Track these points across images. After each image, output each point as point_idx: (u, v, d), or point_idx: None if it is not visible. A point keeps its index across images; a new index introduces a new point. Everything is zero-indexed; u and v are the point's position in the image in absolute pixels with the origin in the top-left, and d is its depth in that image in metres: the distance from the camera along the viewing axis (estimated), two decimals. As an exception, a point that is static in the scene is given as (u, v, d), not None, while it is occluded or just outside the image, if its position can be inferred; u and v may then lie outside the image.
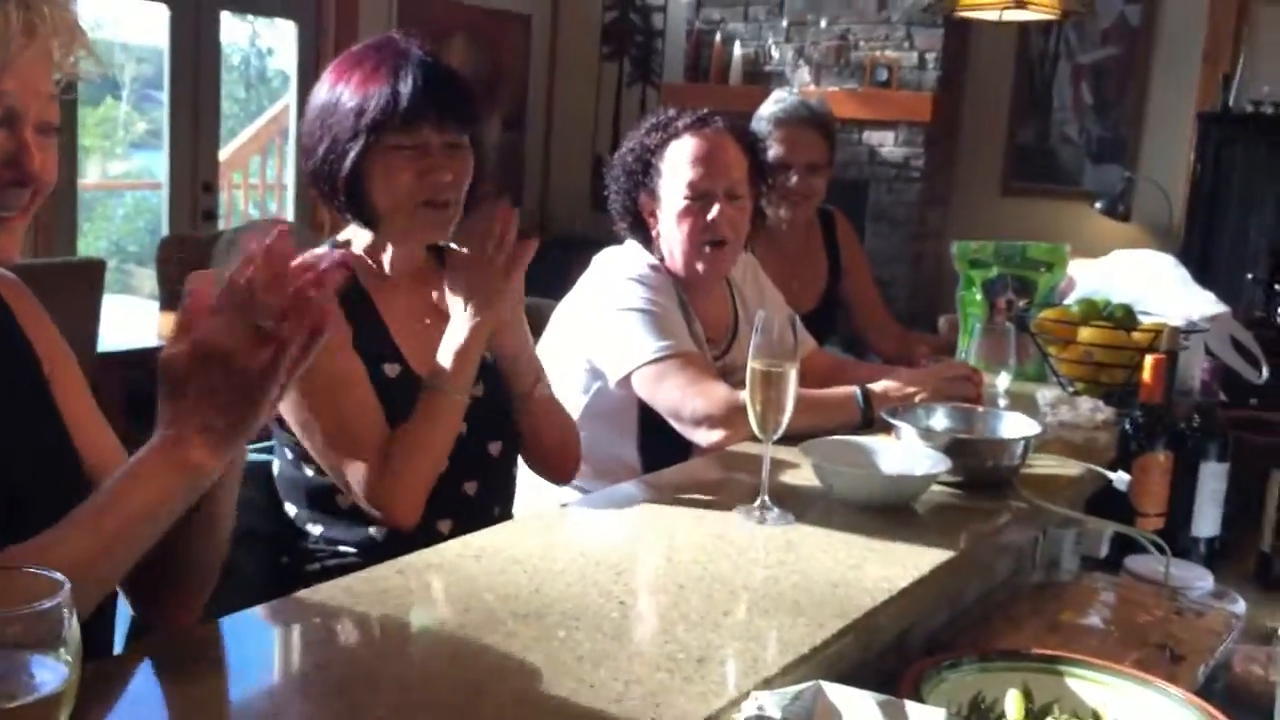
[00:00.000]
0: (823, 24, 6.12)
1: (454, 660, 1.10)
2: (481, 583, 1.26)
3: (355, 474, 1.59)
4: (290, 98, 6.10)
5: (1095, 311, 2.38)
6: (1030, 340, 2.41)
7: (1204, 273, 3.39)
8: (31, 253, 4.20)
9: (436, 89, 1.64)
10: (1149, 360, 1.84)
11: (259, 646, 1.18)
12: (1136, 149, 5.73)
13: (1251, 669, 1.44)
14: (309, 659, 1.14)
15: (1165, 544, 1.66)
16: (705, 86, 6.31)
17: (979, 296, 2.69)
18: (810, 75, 6.16)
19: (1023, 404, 2.11)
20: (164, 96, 5.55)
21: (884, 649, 1.33)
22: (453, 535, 1.52)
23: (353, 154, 1.63)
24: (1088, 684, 1.28)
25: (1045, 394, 2.28)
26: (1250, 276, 4.59)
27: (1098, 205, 5.51)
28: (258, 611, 1.22)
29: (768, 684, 1.08)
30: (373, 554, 1.54)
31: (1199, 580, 1.68)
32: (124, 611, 1.29)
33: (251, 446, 1.59)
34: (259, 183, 6.98)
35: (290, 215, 6.17)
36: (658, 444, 2.04)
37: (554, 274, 2.26)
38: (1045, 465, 1.87)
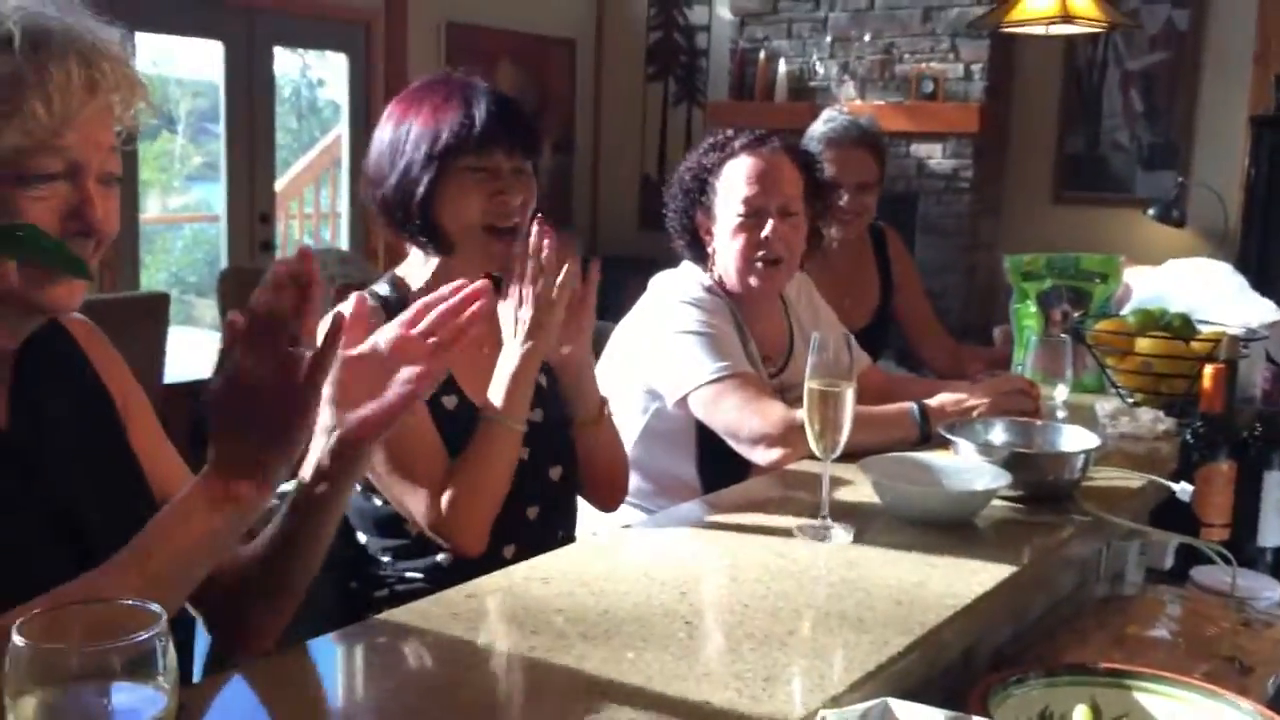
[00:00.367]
0: (866, 38, 6.13)
1: (526, 683, 1.12)
2: (550, 605, 1.28)
3: (418, 505, 1.63)
4: (343, 127, 6.21)
5: (1152, 321, 2.37)
6: (1087, 352, 2.40)
7: (1261, 278, 3.34)
8: (97, 288, 4.30)
9: (507, 115, 1.71)
10: (1209, 369, 1.83)
11: (334, 672, 1.21)
12: (1189, 154, 5.67)
13: (1323, 680, 1.43)
14: (384, 684, 1.16)
15: (1231, 554, 1.65)
16: (751, 104, 6.34)
17: (1033, 309, 2.68)
18: (855, 90, 6.16)
19: (1081, 416, 2.10)
20: (220, 129, 5.67)
21: (949, 666, 1.34)
22: (517, 560, 1.54)
23: (427, 178, 1.68)
24: (1156, 697, 1.28)
25: (1104, 406, 2.26)
26: (1310, 280, 4.52)
27: (1151, 212, 5.45)
28: (332, 638, 1.25)
29: (835, 702, 1.09)
30: (440, 580, 1.58)
31: (1266, 590, 1.67)
32: (200, 642, 1.33)
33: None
34: (314, 212, 7.09)
35: (344, 243, 6.26)
36: (716, 463, 2.06)
37: (605, 294, 2.27)
38: (1107, 477, 1.87)
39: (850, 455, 1.63)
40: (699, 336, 2.04)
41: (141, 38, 5.08)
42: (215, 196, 6.25)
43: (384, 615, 1.27)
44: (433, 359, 1.22)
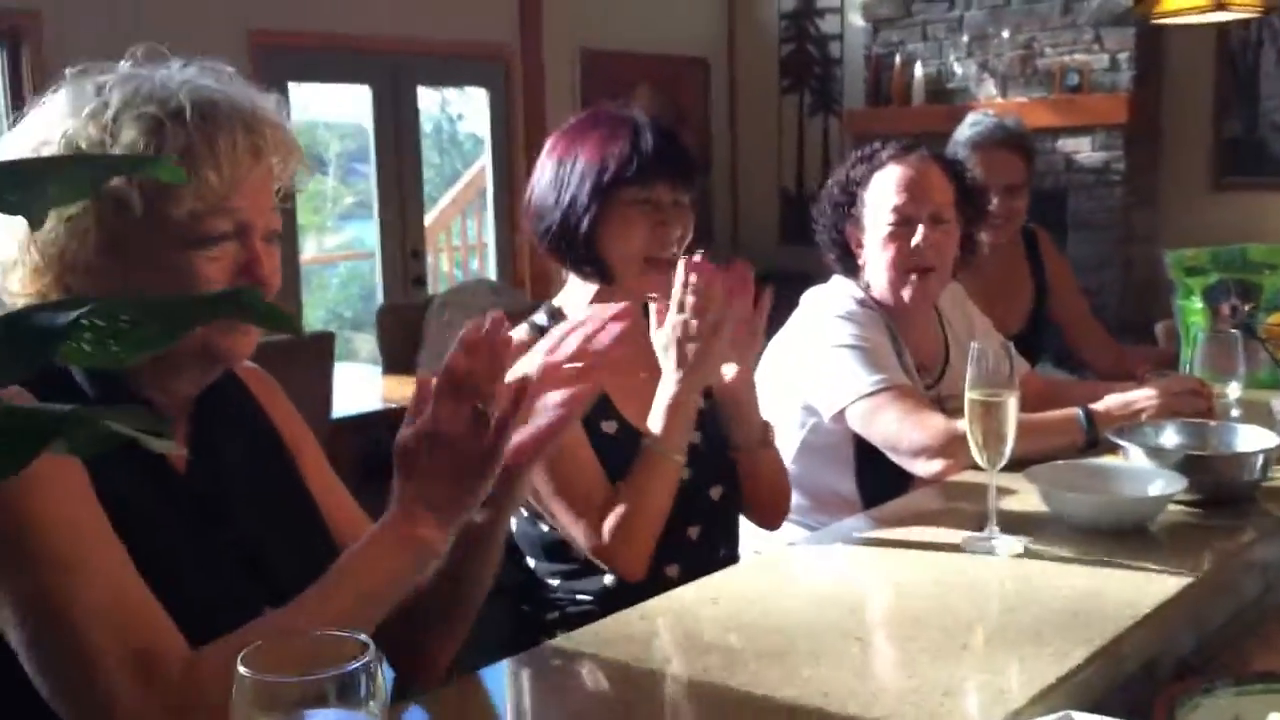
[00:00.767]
0: (1005, 34, 6.01)
1: (704, 702, 1.15)
2: (721, 625, 1.31)
3: (580, 531, 1.67)
4: (485, 159, 6.36)
5: (1329, 311, 2.27)
6: (1259, 346, 2.31)
7: None
8: (266, 333, 4.50)
9: (670, 148, 1.75)
10: (1394, 360, 1.74)
11: (512, 698, 1.25)
12: (1358, 131, 5.40)
13: None
14: (562, 708, 1.20)
15: None
16: (888, 110, 6.27)
17: (1199, 305, 2.59)
18: (996, 88, 6.05)
19: (1257, 414, 2.03)
20: (368, 169, 5.88)
21: (1131, 677, 1.31)
22: (681, 579, 1.57)
23: (593, 210, 1.73)
24: (1356, 705, 1.23)
25: (1280, 402, 2.17)
26: None
27: (1319, 194, 5.20)
28: (508, 664, 1.30)
29: (1015, 716, 1.08)
30: (609, 601, 1.61)
31: None
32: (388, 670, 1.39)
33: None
34: (461, 244, 7.28)
35: (492, 273, 6.41)
36: (875, 477, 2.05)
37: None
38: (1288, 477, 1.80)
39: (1015, 464, 1.61)
40: (854, 350, 2.04)
41: (293, 87, 5.32)
42: (366, 233, 6.47)
43: (557, 640, 1.31)
44: (579, 383, 1.25)
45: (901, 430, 1.95)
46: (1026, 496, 1.69)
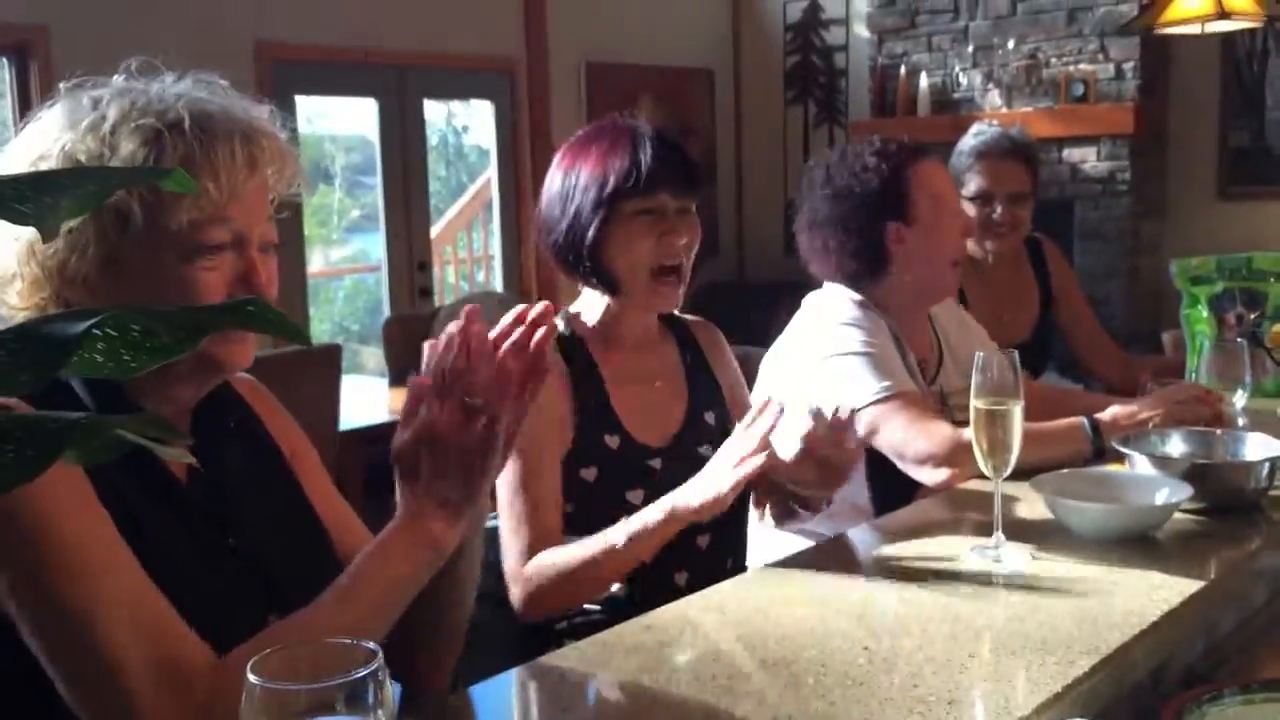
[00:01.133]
0: (1010, 45, 6.02)
1: (709, 712, 1.15)
2: (727, 634, 1.31)
3: (512, 546, 1.69)
4: (491, 171, 6.39)
5: (1335, 319, 2.27)
6: (1265, 355, 2.31)
7: None
8: (271, 345, 4.52)
9: (672, 157, 1.76)
10: (1400, 368, 1.74)
11: (523, 708, 1.25)
12: (1364, 139, 5.40)
13: None
14: (569, 717, 1.20)
15: None
16: (894, 121, 6.29)
17: (1205, 313, 2.59)
18: (1001, 98, 6.06)
19: (1264, 423, 2.03)
20: (376, 182, 5.90)
21: (1138, 685, 1.31)
22: (689, 587, 1.57)
23: (597, 222, 1.75)
24: (1364, 713, 1.23)
25: (1287, 410, 2.18)
26: None
27: (1326, 202, 5.20)
28: (518, 673, 1.30)
29: (1022, 724, 1.08)
30: (616, 611, 1.61)
31: None
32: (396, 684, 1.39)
33: (494, 514, 1.70)
34: (467, 256, 7.30)
35: (499, 284, 6.43)
36: (886, 483, 2.05)
37: (756, 320, 2.30)
38: (1295, 485, 1.79)
39: (1021, 473, 1.61)
40: (861, 357, 2.04)
41: (300, 100, 5.35)
42: (373, 246, 6.49)
43: (564, 650, 1.31)
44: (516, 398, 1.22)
45: (907, 438, 1.95)
46: (1033, 505, 1.69)
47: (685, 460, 1.79)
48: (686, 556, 1.75)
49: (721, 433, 1.85)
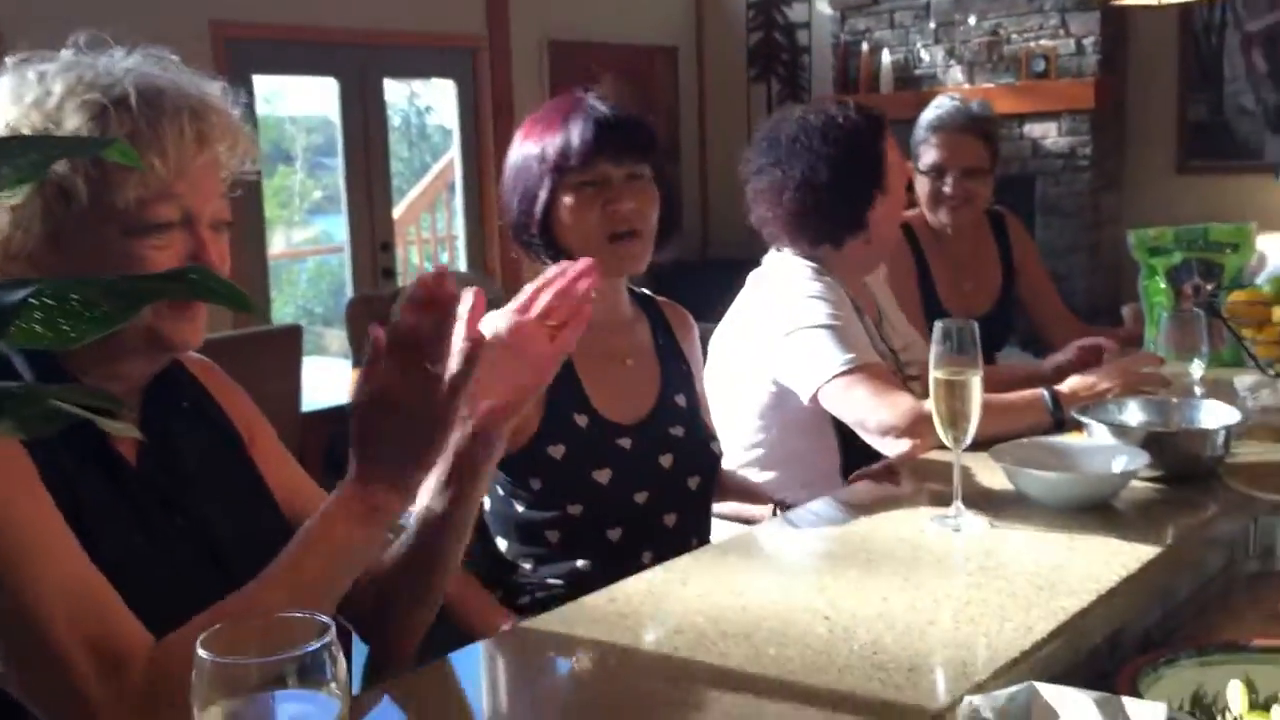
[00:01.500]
0: (972, 21, 6.03)
1: (671, 681, 1.15)
2: (690, 605, 1.31)
3: None
4: (454, 151, 6.34)
5: (1290, 289, 2.29)
6: (1222, 325, 2.33)
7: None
8: (230, 326, 4.48)
9: (607, 124, 1.74)
10: (1353, 334, 1.76)
11: (485, 680, 1.25)
12: (1320, 113, 5.45)
13: None
14: (534, 688, 1.20)
15: (1389, 525, 1.59)
16: (857, 98, 6.26)
17: (1163, 284, 2.61)
18: (963, 74, 6.07)
19: (1220, 391, 2.05)
20: (337, 164, 5.85)
21: (1095, 649, 1.32)
22: (654, 565, 1.57)
23: (542, 199, 1.74)
24: (1316, 673, 1.24)
25: (1243, 379, 2.20)
26: None
27: (1282, 176, 5.25)
28: (483, 646, 1.30)
29: (980, 689, 1.09)
30: (580, 585, 1.61)
31: None
32: (358, 654, 1.38)
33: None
34: (430, 236, 7.26)
35: (463, 264, 6.39)
36: (858, 449, 2.05)
37: (719, 298, 2.29)
38: (1251, 452, 1.82)
39: (981, 444, 1.62)
40: (826, 330, 2.04)
41: (258, 79, 5.28)
42: (335, 228, 6.44)
43: (529, 622, 1.31)
44: (554, 342, 1.24)
45: (870, 409, 1.96)
46: (992, 475, 1.70)
47: (657, 440, 1.79)
48: (654, 534, 1.75)
49: (691, 416, 1.86)
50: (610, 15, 6.58)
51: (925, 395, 2.28)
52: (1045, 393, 1.96)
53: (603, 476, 1.72)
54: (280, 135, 7.83)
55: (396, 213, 6.29)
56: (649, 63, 6.87)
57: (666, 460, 1.78)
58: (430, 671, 1.25)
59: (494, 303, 1.84)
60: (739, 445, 2.13)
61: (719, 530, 1.93)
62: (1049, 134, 5.87)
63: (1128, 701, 1.04)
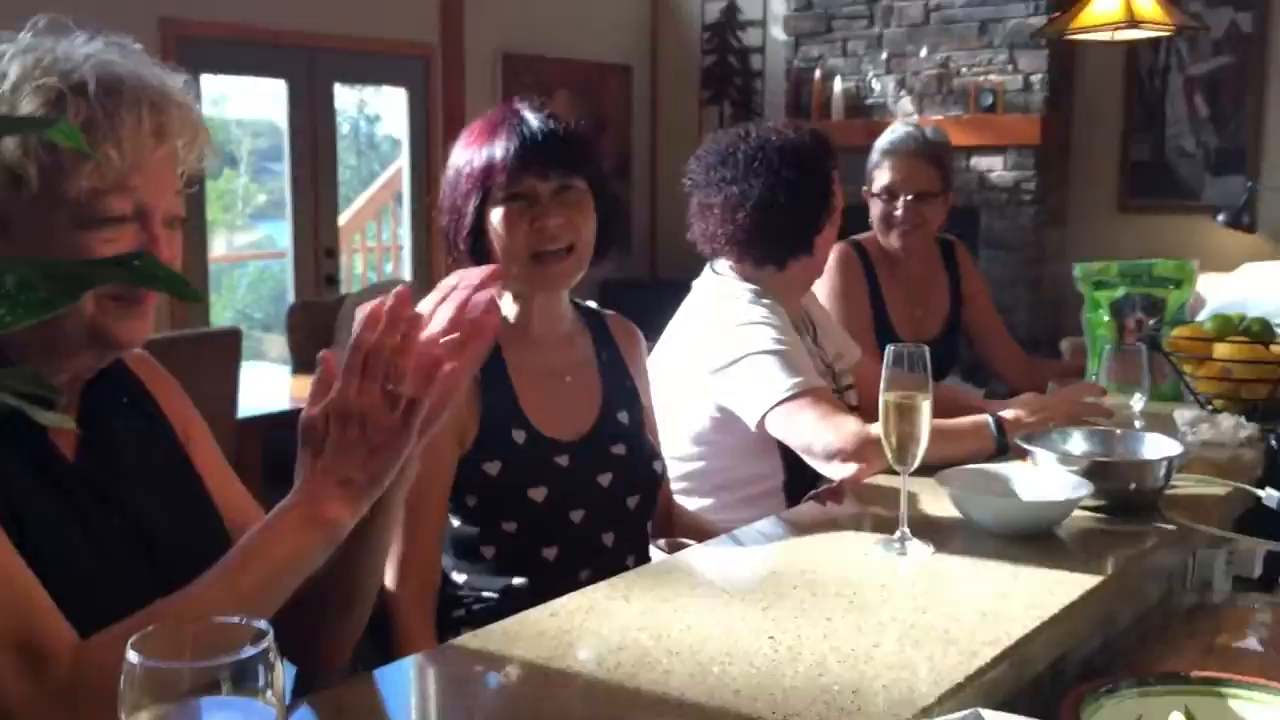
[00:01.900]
0: (923, 53, 6.11)
1: (612, 699, 1.13)
2: (633, 622, 1.29)
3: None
4: (403, 160, 6.30)
5: (1230, 327, 2.33)
6: (1164, 360, 2.36)
7: (1340, 281, 3.27)
8: (168, 327, 4.40)
9: (536, 139, 1.71)
10: (1293, 373, 1.79)
11: (423, 693, 1.22)
12: (1258, 158, 5.58)
13: None
14: (471, 705, 1.17)
15: (1323, 561, 1.61)
16: (808, 124, 6.33)
17: (1106, 318, 2.65)
18: (913, 105, 6.14)
19: (1160, 425, 2.07)
20: (283, 168, 5.78)
21: (1038, 677, 1.32)
22: (592, 583, 1.55)
23: (469, 213, 1.72)
24: (1252, 704, 1.25)
25: (1183, 414, 2.23)
26: (1389, 282, 4.41)
27: (1220, 218, 5.36)
28: (419, 658, 1.27)
29: (925, 714, 1.08)
30: (515, 601, 1.58)
31: (1361, 597, 1.63)
32: (286, 674, 1.34)
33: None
34: (376, 245, 7.19)
35: (407, 274, 6.34)
36: (802, 471, 2.05)
37: (668, 317, 2.28)
38: (1190, 485, 1.84)
39: (926, 469, 1.62)
40: (772, 356, 2.04)
41: (206, 79, 5.21)
42: (279, 233, 6.36)
43: (468, 636, 1.28)
44: (457, 363, 1.19)
45: (816, 433, 1.96)
46: (938, 501, 1.70)
47: (596, 458, 1.77)
48: (591, 553, 1.73)
49: (634, 433, 1.84)
50: (566, 30, 6.58)
51: (861, 405, 2.32)
52: (990, 419, 1.96)
53: (538, 495, 1.70)
54: (226, 138, 7.73)
55: (342, 220, 6.22)
56: (603, 80, 6.87)
57: (605, 479, 1.76)
58: (359, 685, 1.22)
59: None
60: (673, 470, 2.11)
61: (658, 552, 1.91)
62: (995, 168, 5.95)
63: (1071, 729, 1.04)
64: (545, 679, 1.18)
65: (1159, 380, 2.36)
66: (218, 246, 7.49)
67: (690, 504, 2.11)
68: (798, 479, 2.08)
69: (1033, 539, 1.58)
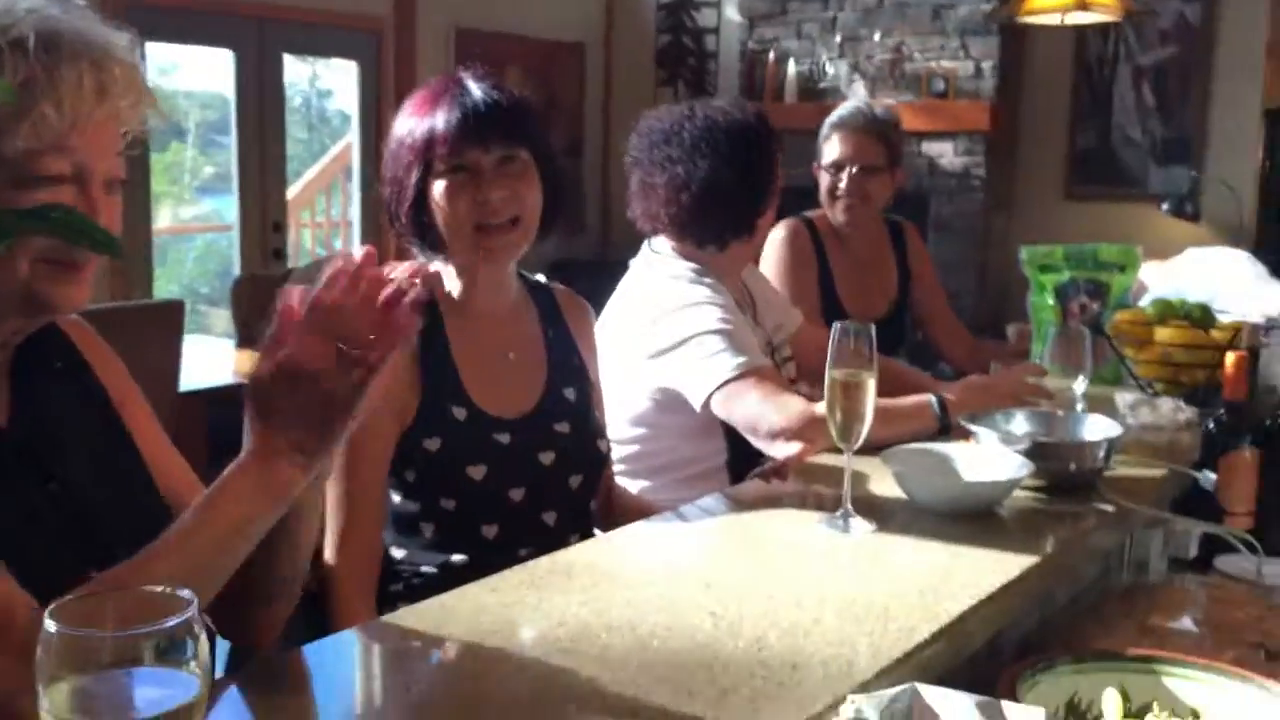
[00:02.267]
0: (876, 38, 6.12)
1: (552, 672, 1.12)
2: (573, 597, 1.28)
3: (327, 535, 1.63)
4: (353, 135, 6.21)
5: (1172, 311, 2.36)
6: (1106, 343, 2.39)
7: (1278, 271, 3.32)
8: (109, 298, 4.32)
9: (478, 109, 1.68)
10: (1231, 357, 1.82)
11: (361, 665, 1.20)
12: (1202, 148, 5.65)
13: (1353, 665, 1.41)
14: (409, 676, 1.16)
15: (1256, 542, 1.64)
16: (759, 105, 6.33)
17: (1051, 301, 2.67)
18: (865, 89, 6.15)
19: (1101, 408, 2.09)
20: (230, 140, 5.68)
21: (975, 654, 1.33)
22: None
23: (411, 185, 1.69)
24: (1185, 682, 1.27)
25: (1124, 397, 2.25)
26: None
27: (1165, 207, 5.43)
28: (355, 632, 1.25)
29: (863, 688, 1.08)
30: (453, 577, 1.56)
31: (1293, 577, 1.65)
32: (222, 642, 1.32)
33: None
34: (324, 220, 7.11)
35: (357, 251, 6.26)
36: (745, 450, 2.05)
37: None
38: (1129, 467, 1.86)
39: (870, 449, 1.62)
40: (717, 335, 2.03)
41: (151, 48, 5.10)
42: (226, 208, 6.27)
43: (405, 610, 1.27)
44: (365, 365, 1.12)
45: (761, 413, 1.96)
46: (882, 480, 1.71)
47: (539, 436, 1.75)
48: (532, 532, 1.71)
49: (580, 411, 1.82)
50: (520, 7, 6.52)
51: (801, 371, 2.33)
52: (933, 399, 1.97)
53: (477, 472, 1.68)
54: (173, 109, 7.59)
55: (290, 194, 6.13)
56: (556, 58, 6.82)
57: (547, 458, 1.74)
58: (292, 660, 1.20)
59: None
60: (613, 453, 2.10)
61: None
62: (945, 153, 5.98)
63: (1007, 705, 1.05)
64: (484, 653, 1.17)
65: (1101, 364, 2.38)
66: (163, 219, 7.37)
67: (631, 486, 2.10)
68: (740, 458, 2.08)
69: (974, 518, 1.59)
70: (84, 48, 1.08)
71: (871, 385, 1.53)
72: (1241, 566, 1.66)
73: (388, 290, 1.06)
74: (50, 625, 0.69)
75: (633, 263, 2.25)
